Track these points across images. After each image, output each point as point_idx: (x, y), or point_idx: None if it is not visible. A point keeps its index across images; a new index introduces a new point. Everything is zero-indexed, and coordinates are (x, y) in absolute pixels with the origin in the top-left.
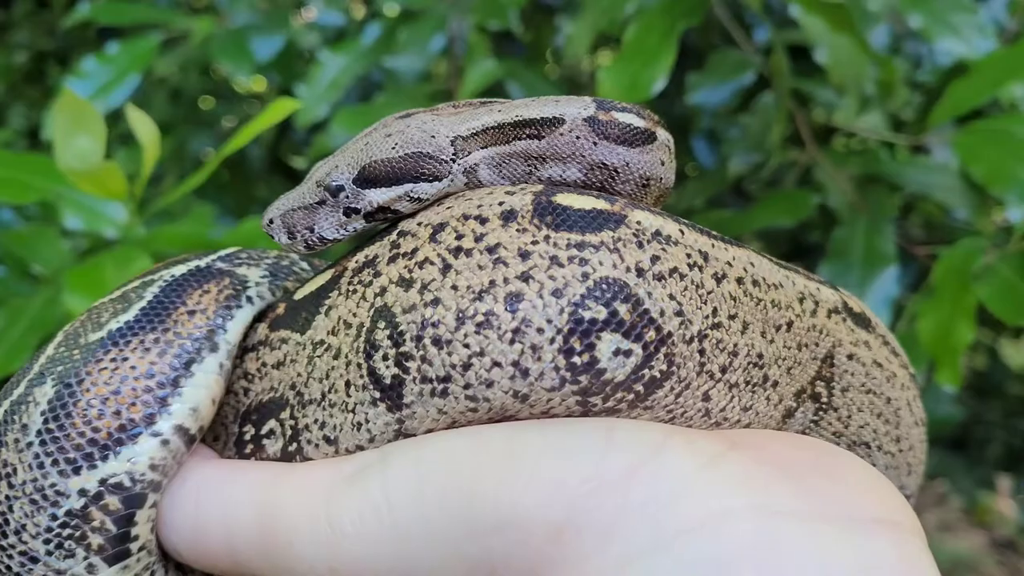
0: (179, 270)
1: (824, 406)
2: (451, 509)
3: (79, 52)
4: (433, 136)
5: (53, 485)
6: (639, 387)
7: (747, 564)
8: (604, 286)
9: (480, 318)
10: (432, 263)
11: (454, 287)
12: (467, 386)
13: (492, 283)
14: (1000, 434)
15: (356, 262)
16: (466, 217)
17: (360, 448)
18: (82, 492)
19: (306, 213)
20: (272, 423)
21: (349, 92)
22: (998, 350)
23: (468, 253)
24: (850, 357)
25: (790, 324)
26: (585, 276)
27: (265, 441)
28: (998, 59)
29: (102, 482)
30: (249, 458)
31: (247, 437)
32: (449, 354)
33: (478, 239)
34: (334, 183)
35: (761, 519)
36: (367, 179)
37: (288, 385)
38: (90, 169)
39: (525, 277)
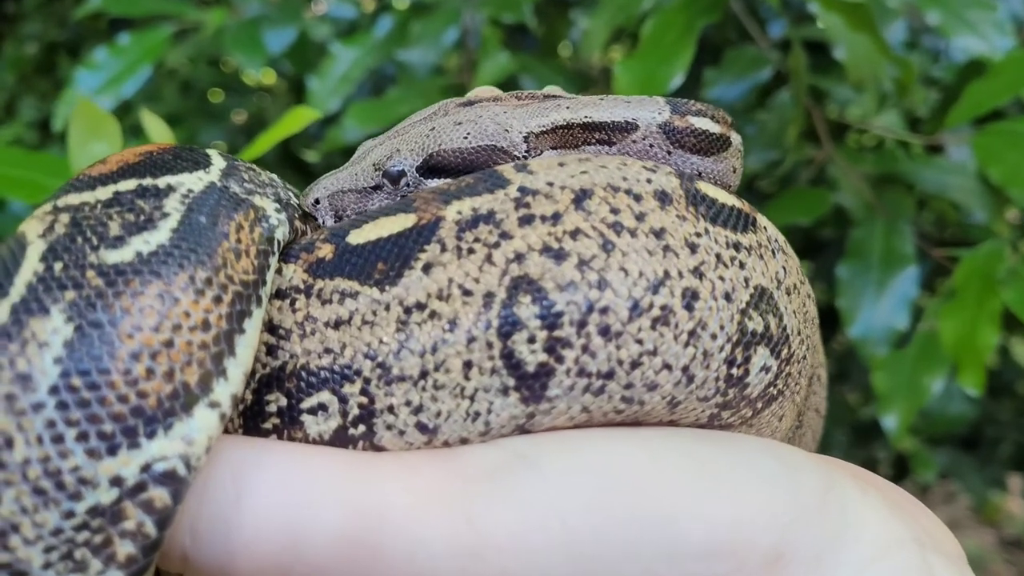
0: (192, 182)
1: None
2: (641, 530)
3: (90, 43)
4: (507, 130)
5: (76, 469)
6: (759, 404)
7: None
8: (759, 295)
9: (657, 312)
10: (588, 236)
11: (623, 270)
12: (628, 386)
13: (667, 274)
14: (1012, 433)
15: (459, 214)
16: (614, 189)
17: (464, 441)
18: (116, 481)
19: (358, 197)
20: (325, 396)
21: (361, 86)
22: (1010, 350)
23: (632, 233)
24: (818, 377)
25: (816, 342)
26: (746, 281)
27: (307, 418)
28: (1018, 59)
29: (145, 468)
30: (267, 436)
31: (271, 409)
32: (618, 348)
33: (639, 218)
34: (395, 168)
35: (920, 550)
36: (432, 168)
37: (361, 351)
38: None
39: (698, 273)
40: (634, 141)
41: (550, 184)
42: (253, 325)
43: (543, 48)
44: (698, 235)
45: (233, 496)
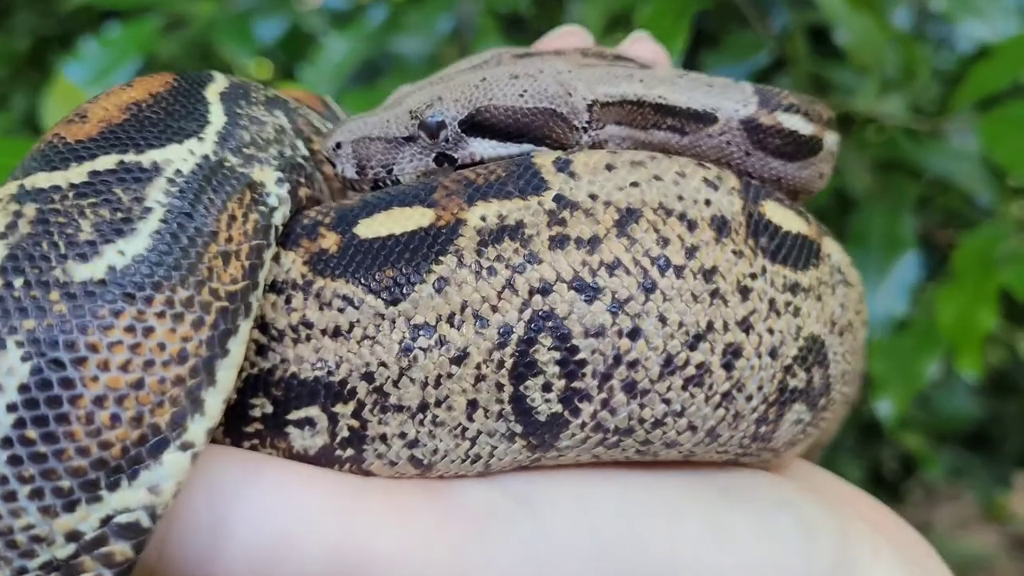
0: (181, 159)
1: None
2: None
3: (82, 35)
4: (570, 94)
5: (28, 528)
6: (783, 449)
7: None
8: (808, 346)
9: (692, 371)
10: (628, 271)
11: (662, 319)
12: (646, 443)
13: (710, 326)
14: (1018, 431)
15: (482, 220)
16: (666, 212)
17: (459, 476)
18: (73, 536)
19: (387, 147)
20: (314, 411)
21: (354, 76)
22: (1016, 346)
23: (679, 272)
24: None
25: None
26: (798, 332)
27: (292, 430)
28: (1021, 42)
29: (106, 521)
30: (246, 442)
31: (255, 414)
32: (642, 407)
33: (690, 253)
34: (434, 119)
35: None
36: (478, 125)
37: (358, 371)
38: None
39: (746, 326)
40: (710, 135)
41: (592, 197)
42: (239, 340)
43: (541, 37)
44: (753, 276)
45: (207, 524)
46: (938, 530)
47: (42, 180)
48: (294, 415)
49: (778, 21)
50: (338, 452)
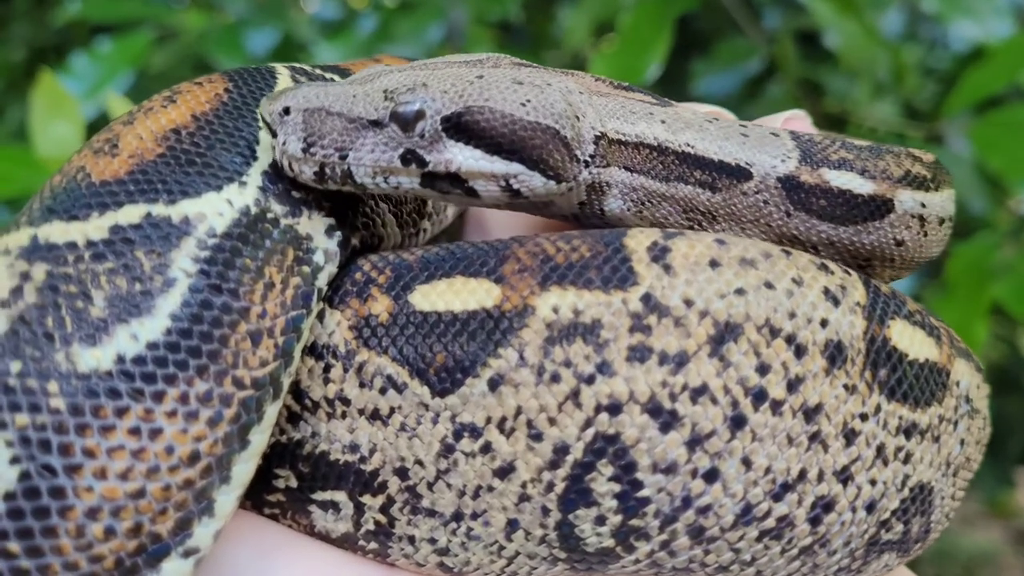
0: (216, 212)
1: None
2: None
3: (77, 48)
4: (579, 117)
5: None
6: None
7: None
8: (914, 495)
9: (771, 524)
10: (714, 401)
11: (746, 462)
12: None
13: (803, 475)
14: (1020, 429)
15: (554, 312)
16: (772, 331)
17: None
18: None
19: (347, 128)
20: (341, 496)
21: None
22: (1017, 344)
23: (776, 408)
24: None
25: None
26: (904, 482)
27: (315, 510)
28: (1015, 44)
29: None
30: (267, 510)
31: (279, 484)
32: (707, 552)
33: (792, 386)
34: (412, 107)
35: None
36: (464, 127)
37: (392, 463)
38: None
39: (844, 476)
40: (744, 193)
41: (687, 302)
42: (263, 427)
43: (534, 44)
44: (864, 417)
45: None
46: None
47: (57, 233)
48: (319, 495)
49: (769, 25)
50: (362, 543)
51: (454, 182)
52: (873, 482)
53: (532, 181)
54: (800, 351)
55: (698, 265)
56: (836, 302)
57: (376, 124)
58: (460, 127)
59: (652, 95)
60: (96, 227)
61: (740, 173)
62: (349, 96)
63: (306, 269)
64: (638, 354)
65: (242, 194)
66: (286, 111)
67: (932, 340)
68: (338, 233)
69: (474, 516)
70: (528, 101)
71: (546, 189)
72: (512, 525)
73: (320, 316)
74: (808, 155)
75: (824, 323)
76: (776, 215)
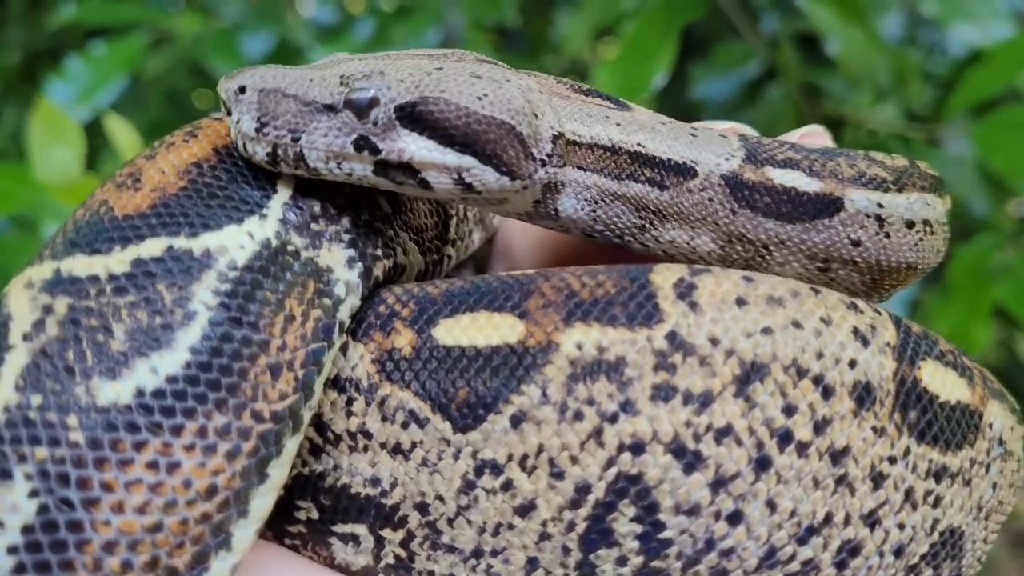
0: (237, 245)
1: None
2: None
3: (72, 50)
4: (536, 116)
5: None
6: None
7: None
8: (944, 540)
9: (795, 568)
10: (739, 442)
11: (771, 505)
12: None
13: (828, 519)
14: None
15: (578, 349)
16: (799, 372)
17: None
18: None
19: (301, 110)
20: (361, 529)
21: None
22: (1015, 347)
23: (802, 451)
24: None
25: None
26: (933, 526)
27: (335, 542)
28: (1015, 45)
29: None
30: (288, 540)
31: (300, 516)
32: None
33: (818, 428)
34: (366, 94)
35: None
36: (418, 117)
37: (413, 498)
38: (68, 182)
39: (872, 520)
40: (689, 190)
41: (713, 341)
42: (283, 461)
43: (531, 48)
44: (892, 460)
45: None
46: None
47: (80, 266)
48: (339, 528)
49: (768, 29)
50: None
51: (407, 172)
52: (901, 526)
53: (484, 176)
54: (828, 392)
55: (725, 303)
56: (865, 342)
57: (330, 109)
58: (414, 117)
59: (611, 99)
60: (118, 260)
61: (686, 171)
62: (306, 79)
63: (327, 301)
64: (662, 393)
65: (263, 227)
66: (242, 90)
67: (964, 381)
68: (359, 265)
69: (494, 553)
70: (485, 95)
71: (499, 185)
72: (532, 564)
73: (343, 349)
74: (753, 154)
75: (853, 364)
76: (722, 213)
